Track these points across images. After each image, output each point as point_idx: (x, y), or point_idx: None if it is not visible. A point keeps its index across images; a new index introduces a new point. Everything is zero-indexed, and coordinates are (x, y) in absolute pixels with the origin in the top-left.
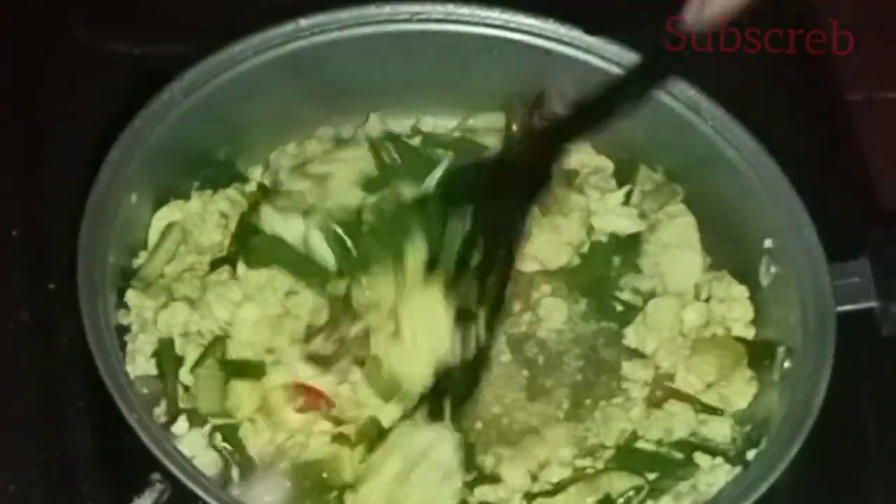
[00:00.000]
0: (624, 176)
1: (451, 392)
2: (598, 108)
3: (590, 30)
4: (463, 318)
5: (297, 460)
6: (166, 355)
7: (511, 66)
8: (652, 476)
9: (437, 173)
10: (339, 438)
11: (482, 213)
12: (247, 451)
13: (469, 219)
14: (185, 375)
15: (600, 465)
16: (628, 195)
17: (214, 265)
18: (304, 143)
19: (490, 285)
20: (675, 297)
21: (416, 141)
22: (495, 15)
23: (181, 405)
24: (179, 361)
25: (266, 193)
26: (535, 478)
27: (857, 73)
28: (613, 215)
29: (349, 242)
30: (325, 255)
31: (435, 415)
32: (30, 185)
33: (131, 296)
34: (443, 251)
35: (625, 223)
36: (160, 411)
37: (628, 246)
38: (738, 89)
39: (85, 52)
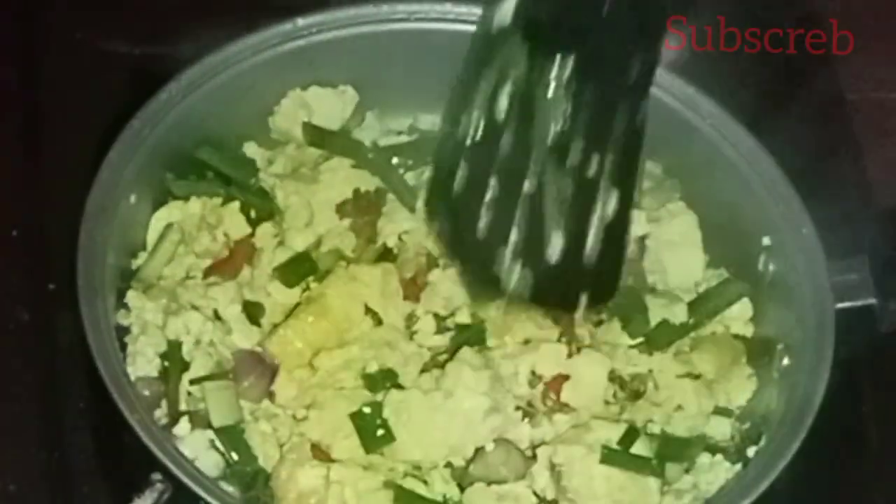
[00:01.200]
0: None
1: (588, 285)
2: None
3: None
4: (581, 191)
5: None
6: (174, 358)
7: None
8: None
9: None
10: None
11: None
12: (252, 453)
13: (570, 60)
14: (186, 381)
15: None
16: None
17: (208, 272)
18: (302, 145)
19: (613, 147)
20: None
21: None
22: None
23: (183, 407)
24: (186, 366)
25: (263, 195)
26: None
27: (857, 73)
28: None
29: None
30: None
31: (569, 308)
32: (30, 185)
33: (132, 297)
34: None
35: (634, 226)
36: (161, 413)
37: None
38: (738, 89)
39: (85, 52)
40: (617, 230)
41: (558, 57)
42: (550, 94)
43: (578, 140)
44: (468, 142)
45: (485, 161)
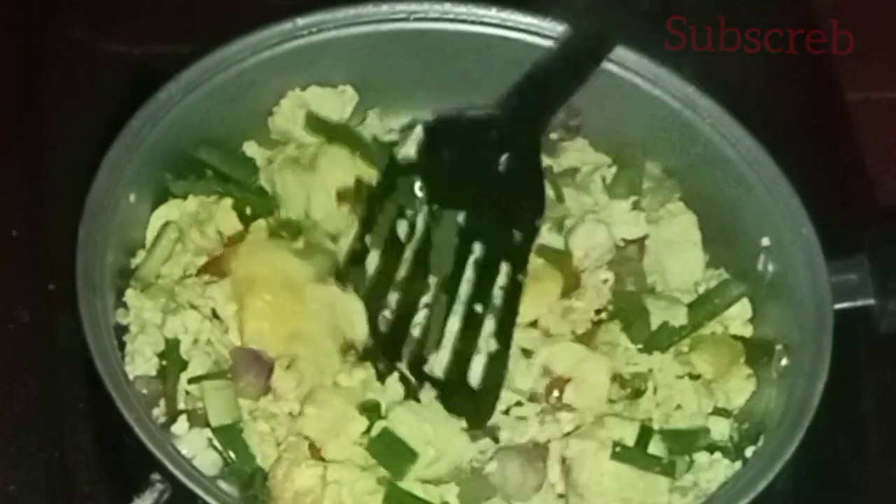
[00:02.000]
0: (625, 173)
1: (466, 412)
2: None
3: None
4: (467, 323)
5: None
6: (172, 356)
7: (508, 64)
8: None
9: (413, 142)
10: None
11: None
12: (250, 452)
13: (461, 214)
14: (184, 380)
15: None
16: (636, 203)
17: (203, 269)
18: (302, 146)
19: (499, 293)
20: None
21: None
22: (492, 13)
23: (181, 406)
24: (184, 365)
25: (263, 194)
26: None
27: (857, 73)
28: (622, 223)
29: None
30: None
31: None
32: (30, 185)
33: (130, 296)
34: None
35: (633, 228)
36: (159, 412)
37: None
38: (738, 89)
39: (85, 52)
40: (497, 362)
41: (452, 209)
42: (442, 238)
43: (465, 284)
44: (376, 252)
45: (389, 271)
